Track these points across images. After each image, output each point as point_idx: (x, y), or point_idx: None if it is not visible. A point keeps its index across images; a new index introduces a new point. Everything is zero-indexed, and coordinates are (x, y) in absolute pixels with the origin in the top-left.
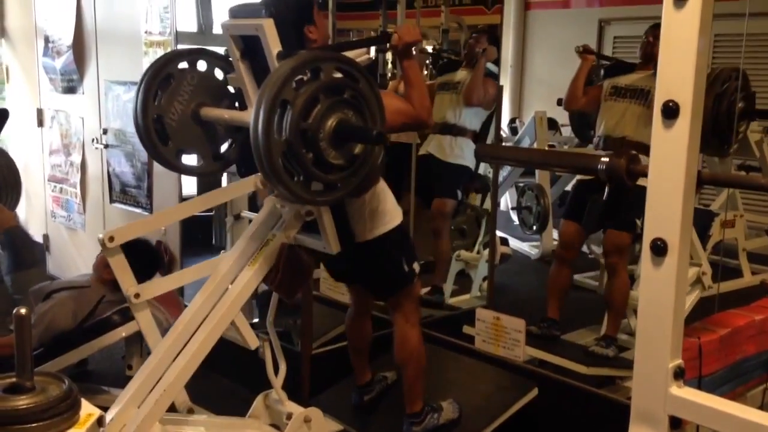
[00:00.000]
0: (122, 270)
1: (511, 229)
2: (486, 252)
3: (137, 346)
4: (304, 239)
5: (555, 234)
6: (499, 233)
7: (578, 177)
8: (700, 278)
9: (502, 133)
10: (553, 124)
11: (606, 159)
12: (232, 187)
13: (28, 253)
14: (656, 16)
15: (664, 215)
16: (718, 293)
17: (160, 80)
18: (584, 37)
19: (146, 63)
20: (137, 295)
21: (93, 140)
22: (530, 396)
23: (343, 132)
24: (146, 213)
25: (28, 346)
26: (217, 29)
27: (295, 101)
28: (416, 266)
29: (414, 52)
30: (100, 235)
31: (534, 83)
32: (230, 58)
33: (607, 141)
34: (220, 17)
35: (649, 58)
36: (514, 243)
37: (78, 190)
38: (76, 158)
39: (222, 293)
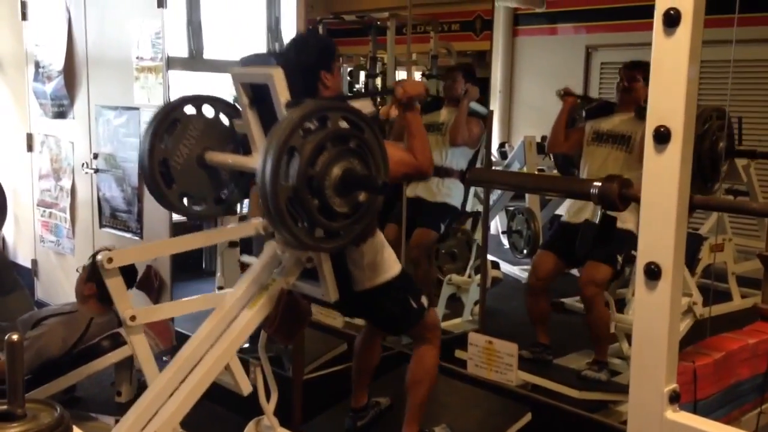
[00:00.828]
0: (119, 292)
1: (501, 252)
2: (477, 276)
3: (127, 372)
4: (303, 286)
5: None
6: (490, 257)
7: (563, 218)
8: (691, 308)
9: (491, 157)
10: (542, 149)
11: (598, 183)
12: (232, 228)
13: (7, 277)
14: (643, 42)
15: (657, 239)
16: (710, 317)
17: (168, 124)
18: (572, 62)
19: (137, 88)
20: (133, 318)
21: (83, 165)
22: (524, 421)
23: (349, 181)
24: (136, 238)
25: (19, 373)
26: (207, 54)
27: (302, 149)
28: (425, 300)
29: (416, 106)
30: (99, 257)
31: (523, 108)
32: (236, 104)
33: None
34: (210, 42)
35: (628, 101)
36: (505, 267)
37: (67, 215)
38: (66, 183)
39: (222, 331)
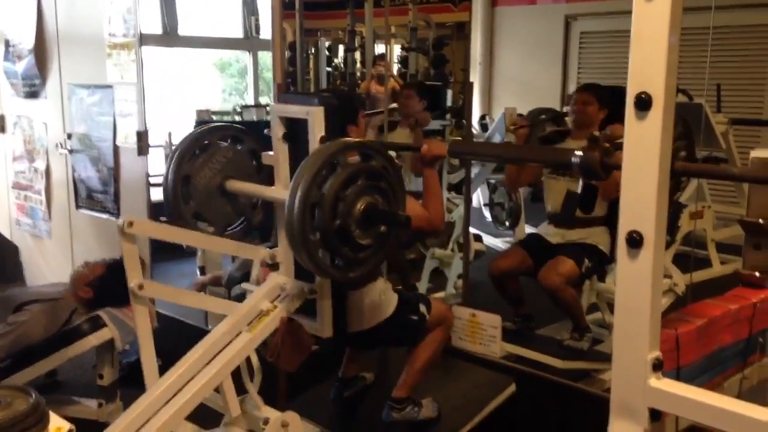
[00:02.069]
0: (132, 259)
1: (483, 225)
2: (460, 249)
3: (108, 355)
4: (298, 319)
5: (528, 229)
6: (472, 230)
7: (540, 232)
8: (672, 288)
9: (473, 130)
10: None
11: (580, 153)
12: (238, 245)
13: (9, 267)
14: (623, 10)
15: (639, 207)
16: (690, 284)
17: (200, 145)
18: (552, 32)
19: (110, 65)
20: (141, 287)
21: (57, 145)
22: (508, 392)
23: (372, 213)
24: (113, 218)
25: None
26: (182, 31)
27: (336, 176)
28: (422, 308)
29: (437, 166)
30: (120, 220)
31: (503, 79)
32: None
33: (556, 217)
34: (184, 19)
35: (582, 125)
36: (487, 239)
37: (43, 197)
38: (40, 164)
39: (219, 351)
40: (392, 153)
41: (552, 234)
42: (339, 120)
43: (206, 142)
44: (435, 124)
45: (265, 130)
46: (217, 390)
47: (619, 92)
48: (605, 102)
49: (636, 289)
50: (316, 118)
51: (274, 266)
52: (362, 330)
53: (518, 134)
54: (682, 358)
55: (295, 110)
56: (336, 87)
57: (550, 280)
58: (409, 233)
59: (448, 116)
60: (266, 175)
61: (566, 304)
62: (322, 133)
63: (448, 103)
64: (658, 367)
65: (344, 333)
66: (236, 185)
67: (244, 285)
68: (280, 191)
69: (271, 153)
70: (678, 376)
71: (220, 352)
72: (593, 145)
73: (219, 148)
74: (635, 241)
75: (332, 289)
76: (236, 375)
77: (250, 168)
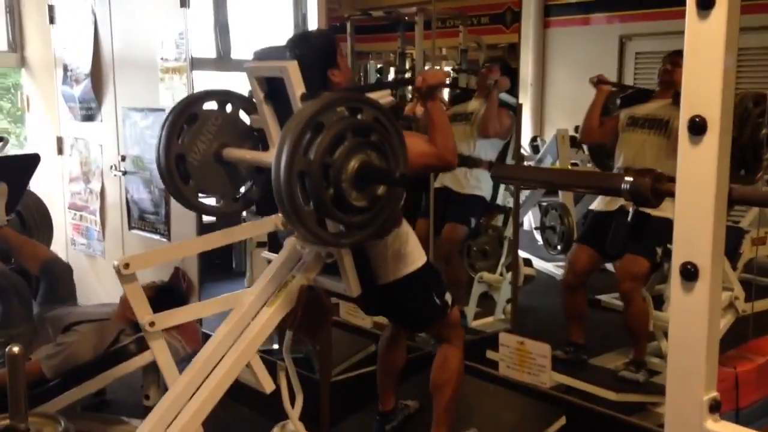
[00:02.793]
0: (137, 298)
1: (535, 249)
2: (509, 274)
3: (154, 375)
4: (324, 281)
5: None
6: (522, 254)
7: (595, 208)
8: (732, 303)
9: (523, 151)
10: (575, 142)
11: (630, 179)
12: (251, 225)
13: (64, 286)
14: (680, 30)
15: (693, 238)
16: (752, 314)
17: (185, 119)
18: (606, 53)
19: (162, 89)
20: (152, 324)
21: (111, 167)
22: (558, 425)
23: (365, 173)
24: (164, 240)
25: (21, 386)
26: (235, 55)
27: (319, 139)
28: (448, 297)
29: (438, 95)
30: (115, 262)
31: (555, 101)
32: (254, 100)
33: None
34: (238, 43)
35: (668, 86)
36: (539, 263)
37: (97, 218)
38: (96, 185)
39: (242, 330)
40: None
41: (609, 199)
42: (318, 64)
43: (193, 112)
44: (511, 100)
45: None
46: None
47: None
48: None
49: (691, 324)
50: (292, 74)
51: (289, 232)
52: (388, 283)
53: (599, 89)
54: (742, 399)
55: (270, 68)
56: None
57: (625, 286)
58: (419, 171)
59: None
60: (263, 134)
61: (633, 318)
62: (302, 90)
63: None
64: (715, 408)
65: (373, 289)
66: (233, 153)
67: (264, 253)
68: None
69: (258, 116)
70: (737, 418)
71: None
72: (644, 171)
73: (208, 117)
74: (690, 273)
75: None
76: (277, 399)
77: (244, 129)
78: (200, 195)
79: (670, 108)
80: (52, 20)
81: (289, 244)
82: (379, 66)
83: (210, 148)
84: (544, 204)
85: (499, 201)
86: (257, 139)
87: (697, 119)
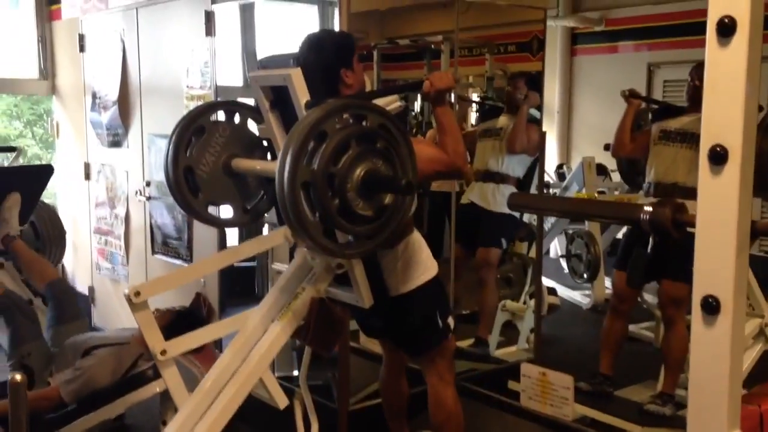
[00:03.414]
0: (148, 326)
1: (561, 277)
2: (533, 302)
3: (172, 401)
4: (336, 292)
5: (607, 282)
6: (547, 282)
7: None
8: (763, 330)
9: (549, 179)
10: (602, 170)
11: (649, 209)
12: (258, 240)
13: (70, 307)
14: None
15: (715, 270)
16: None
17: (192, 131)
18: (633, 81)
19: None
20: (163, 352)
21: (136, 193)
22: None
23: (371, 182)
24: (186, 264)
25: (23, 414)
26: None
27: (324, 147)
28: (450, 321)
29: (449, 99)
30: (126, 291)
31: (582, 128)
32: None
33: (657, 187)
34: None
35: (697, 101)
36: (565, 292)
37: (122, 242)
38: (121, 211)
39: (251, 348)
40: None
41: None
42: (332, 64)
43: (200, 124)
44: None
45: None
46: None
47: None
48: None
49: (713, 359)
50: (295, 82)
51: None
52: (400, 295)
53: (630, 102)
54: None
55: (274, 76)
56: (327, 28)
57: (668, 311)
58: (430, 178)
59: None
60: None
61: (672, 345)
62: (306, 97)
63: None
64: None
65: (385, 301)
66: (242, 164)
67: (275, 265)
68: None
69: (264, 125)
70: None
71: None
72: (664, 201)
73: (216, 128)
74: (711, 306)
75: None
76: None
77: (253, 139)
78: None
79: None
80: (82, 48)
81: (300, 256)
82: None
83: (219, 159)
84: (570, 231)
85: (527, 218)
86: (266, 149)
87: (718, 148)
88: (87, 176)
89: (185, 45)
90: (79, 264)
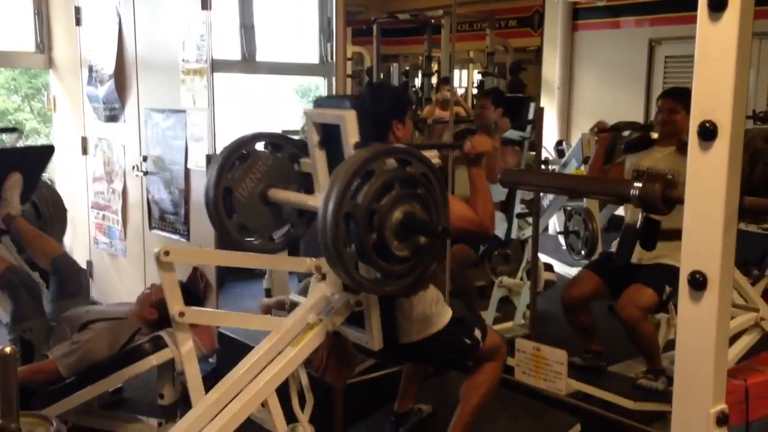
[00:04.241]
0: (171, 287)
1: (559, 253)
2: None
3: (169, 374)
4: (347, 331)
5: None
6: (544, 258)
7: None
8: (758, 323)
9: (547, 155)
10: None
11: (639, 185)
12: (290, 260)
13: (72, 283)
14: None
15: (702, 246)
16: None
17: (238, 156)
18: (634, 56)
19: (183, 91)
20: (181, 314)
21: (133, 167)
22: None
23: (409, 223)
24: (183, 240)
25: (13, 387)
26: (260, 57)
27: (368, 185)
28: (478, 333)
29: (483, 163)
30: (156, 249)
31: (582, 104)
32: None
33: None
34: (264, 45)
35: (668, 133)
36: (562, 268)
37: (119, 217)
38: (118, 185)
39: (261, 369)
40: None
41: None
42: (384, 115)
43: (245, 151)
44: (514, 135)
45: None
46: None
47: None
48: None
49: (699, 334)
50: (348, 123)
51: (321, 278)
52: (412, 342)
53: (599, 138)
54: (752, 412)
55: (328, 115)
56: (384, 81)
57: (628, 312)
58: (457, 235)
59: (528, 128)
60: (310, 183)
61: (642, 340)
62: (356, 139)
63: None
64: (722, 421)
65: (395, 345)
66: (278, 194)
67: (292, 296)
68: (320, 200)
69: (308, 160)
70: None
71: (265, 367)
72: (654, 177)
73: (259, 157)
74: (698, 282)
75: (380, 298)
76: (287, 401)
77: (292, 174)
78: None
79: (675, 158)
80: (78, 22)
81: (319, 291)
82: (406, 69)
83: (257, 186)
84: (569, 208)
85: (513, 235)
86: (302, 183)
87: (708, 124)
88: (84, 151)
89: (181, 18)
90: (77, 238)
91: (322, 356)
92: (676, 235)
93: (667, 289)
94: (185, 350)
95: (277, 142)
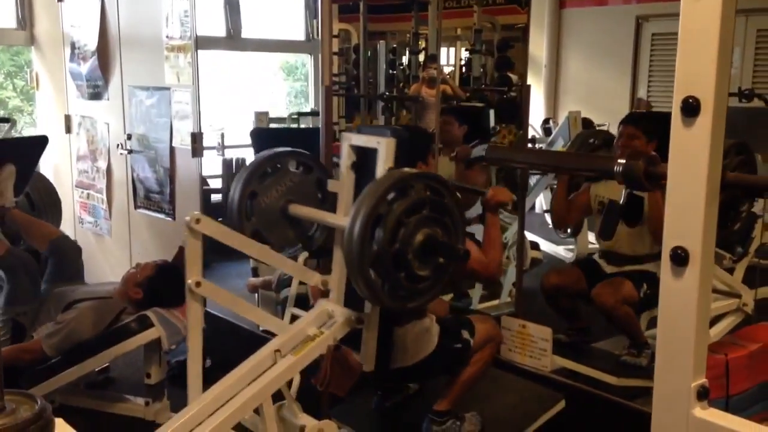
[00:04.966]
0: (194, 255)
1: (545, 232)
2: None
3: (155, 354)
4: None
5: (590, 237)
6: (530, 237)
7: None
8: (740, 308)
9: (534, 134)
10: (588, 124)
11: (623, 161)
12: (299, 268)
13: (70, 266)
14: None
15: (685, 221)
16: (755, 299)
17: (271, 165)
18: (622, 34)
19: (167, 68)
20: (198, 284)
21: (118, 146)
22: (557, 408)
23: (431, 242)
24: (169, 219)
25: None
26: (245, 34)
27: (401, 201)
28: (465, 333)
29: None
30: (188, 217)
31: (569, 83)
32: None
33: (608, 254)
34: (248, 22)
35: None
36: (549, 246)
37: (104, 196)
38: (102, 164)
39: (259, 374)
40: None
41: (606, 266)
42: (409, 155)
43: (278, 164)
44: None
45: (334, 158)
46: (257, 412)
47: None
48: (653, 133)
49: (680, 309)
50: (386, 149)
51: (324, 294)
52: (405, 366)
53: (559, 178)
54: (732, 386)
55: (366, 140)
56: (410, 124)
57: (604, 298)
58: (463, 274)
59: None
60: (329, 206)
61: (621, 321)
62: (391, 165)
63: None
64: (703, 395)
65: (386, 369)
66: (299, 209)
67: (293, 310)
68: (341, 218)
69: (336, 180)
70: (727, 405)
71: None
72: (637, 155)
73: (288, 172)
74: (680, 258)
75: (379, 322)
76: None
77: (314, 197)
78: None
79: None
80: None
81: (321, 308)
82: (393, 46)
83: (280, 199)
84: (555, 187)
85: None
86: (321, 203)
87: (690, 100)
88: (68, 129)
89: None
90: (62, 218)
91: (325, 369)
92: (650, 258)
93: (645, 287)
94: (195, 322)
95: (310, 163)
